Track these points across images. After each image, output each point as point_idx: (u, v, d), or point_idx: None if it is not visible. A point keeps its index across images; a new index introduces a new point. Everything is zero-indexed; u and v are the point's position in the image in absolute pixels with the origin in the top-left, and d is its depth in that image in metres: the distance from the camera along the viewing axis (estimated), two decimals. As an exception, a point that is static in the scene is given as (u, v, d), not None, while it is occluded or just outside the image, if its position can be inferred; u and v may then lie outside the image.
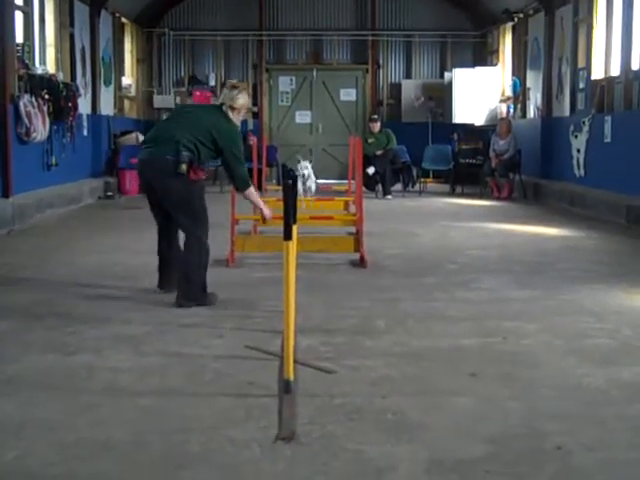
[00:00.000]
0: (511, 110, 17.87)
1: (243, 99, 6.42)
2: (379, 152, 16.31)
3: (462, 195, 16.46)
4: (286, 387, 4.11)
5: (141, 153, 6.40)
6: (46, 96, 12.36)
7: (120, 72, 18.13)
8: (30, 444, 3.55)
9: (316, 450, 3.50)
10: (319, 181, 19.00)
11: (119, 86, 17.95)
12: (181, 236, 6.42)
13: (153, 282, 6.70)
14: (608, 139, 12.87)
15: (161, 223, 6.53)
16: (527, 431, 3.73)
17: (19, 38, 12.42)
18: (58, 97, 12.80)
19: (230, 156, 6.24)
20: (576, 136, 14.18)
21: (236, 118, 6.40)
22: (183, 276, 6.24)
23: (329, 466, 3.35)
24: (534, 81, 16.52)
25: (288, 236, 4.04)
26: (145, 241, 8.22)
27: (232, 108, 6.35)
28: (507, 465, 3.38)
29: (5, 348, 5.13)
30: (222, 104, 6.40)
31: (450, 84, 19.01)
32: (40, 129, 11.91)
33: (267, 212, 6.61)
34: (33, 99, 11.83)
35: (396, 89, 20.34)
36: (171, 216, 6.33)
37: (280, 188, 5.14)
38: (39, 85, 12.20)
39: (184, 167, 6.04)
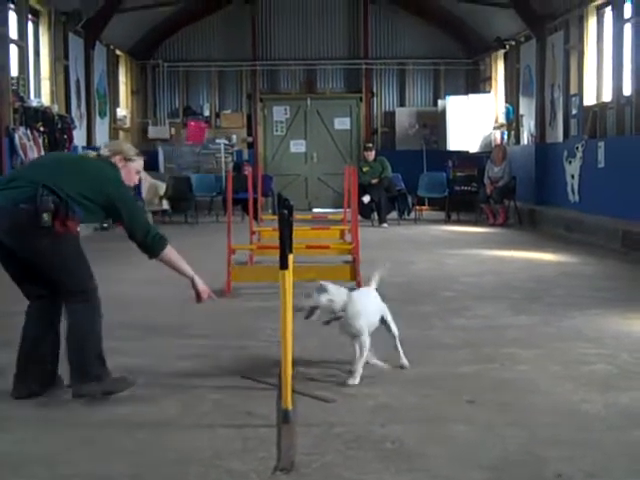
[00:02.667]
0: (505, 137, 17.95)
1: (124, 145, 5.11)
2: (374, 180, 16.37)
3: (457, 222, 16.49)
4: (284, 417, 4.10)
5: None
6: (41, 128, 12.42)
7: (115, 104, 18.20)
8: None
9: (315, 480, 3.49)
10: (316, 210, 19.19)
11: (114, 118, 18.01)
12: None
13: (147, 312, 6.39)
14: (602, 164, 12.92)
15: (34, 293, 4.92)
16: (527, 458, 3.72)
17: (14, 71, 12.48)
18: (53, 129, 12.85)
19: (128, 215, 4.69)
20: (570, 162, 14.25)
21: (124, 172, 4.85)
22: (75, 351, 4.64)
23: (329, 496, 3.34)
24: (527, 108, 16.61)
25: (284, 265, 4.04)
26: (142, 271, 8.25)
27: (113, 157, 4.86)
28: (507, 493, 3.38)
29: (3, 382, 5.10)
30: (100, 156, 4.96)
31: (444, 111, 19.12)
32: (35, 161, 11.92)
33: (201, 286, 4.92)
34: (28, 131, 11.88)
35: (390, 117, 20.45)
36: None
37: (276, 218, 5.14)
38: (34, 117, 12.26)
39: (46, 217, 4.41)
